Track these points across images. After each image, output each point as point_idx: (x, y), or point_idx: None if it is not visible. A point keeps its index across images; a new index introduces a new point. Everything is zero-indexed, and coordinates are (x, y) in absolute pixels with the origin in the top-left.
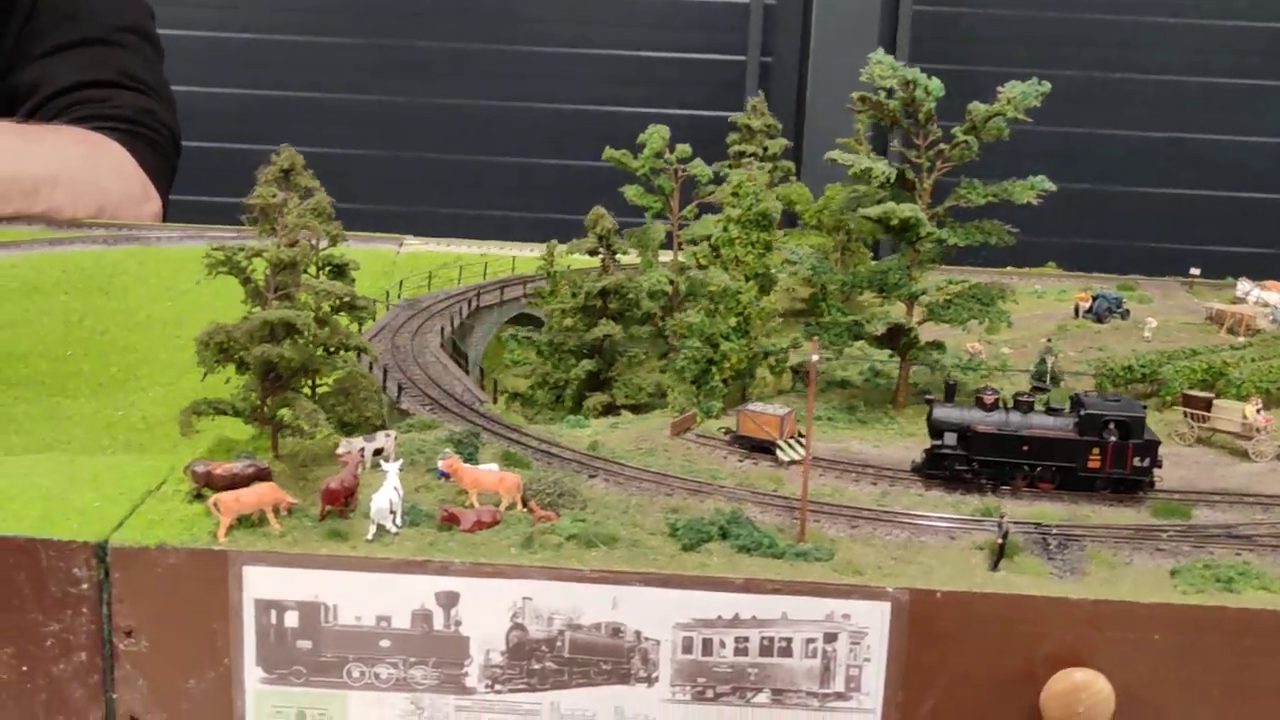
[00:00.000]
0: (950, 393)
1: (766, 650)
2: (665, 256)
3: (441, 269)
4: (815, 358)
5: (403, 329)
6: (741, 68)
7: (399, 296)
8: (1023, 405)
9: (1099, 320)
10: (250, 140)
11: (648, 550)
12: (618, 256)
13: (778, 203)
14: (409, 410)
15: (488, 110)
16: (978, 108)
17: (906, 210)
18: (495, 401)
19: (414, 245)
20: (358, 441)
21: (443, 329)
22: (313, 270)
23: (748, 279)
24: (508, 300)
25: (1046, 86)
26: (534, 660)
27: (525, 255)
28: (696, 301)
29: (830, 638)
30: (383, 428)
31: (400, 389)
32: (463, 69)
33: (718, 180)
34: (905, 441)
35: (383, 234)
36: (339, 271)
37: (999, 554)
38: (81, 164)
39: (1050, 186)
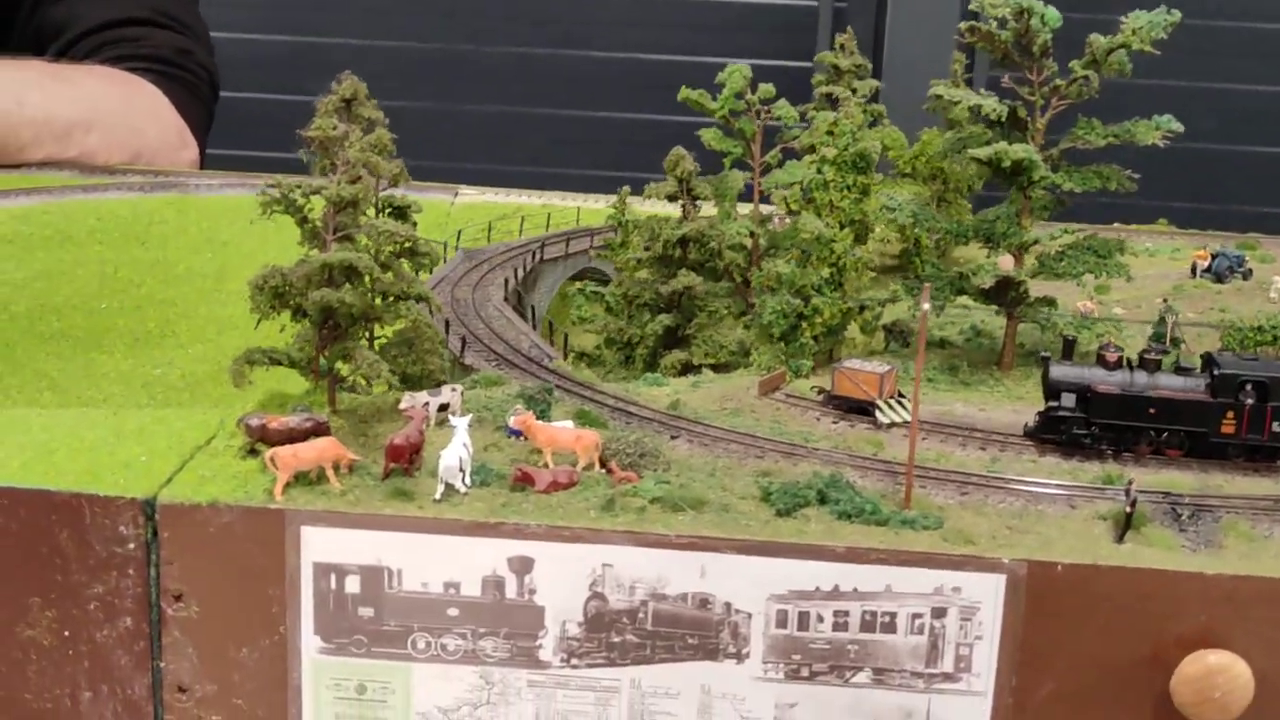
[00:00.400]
0: (1068, 350)
1: (868, 625)
2: (743, 210)
3: (501, 220)
4: (926, 306)
5: (462, 281)
6: (813, 14)
7: (456, 248)
8: (1149, 364)
9: (1219, 280)
10: (291, 90)
11: (739, 515)
12: (698, 202)
13: (877, 143)
14: (473, 366)
15: (546, 59)
16: (1097, 40)
17: (1020, 151)
18: (565, 358)
19: (470, 196)
20: (422, 396)
21: (506, 281)
22: (371, 212)
23: (842, 226)
24: (573, 253)
25: (1176, 16)
26: (614, 633)
27: (591, 206)
28: (779, 255)
29: (938, 613)
30: (445, 383)
31: (464, 343)
32: (520, 14)
33: (803, 124)
34: (1014, 404)
35: (436, 183)
36: (400, 214)
37: (1125, 524)
38: (116, 107)
39: (1177, 127)
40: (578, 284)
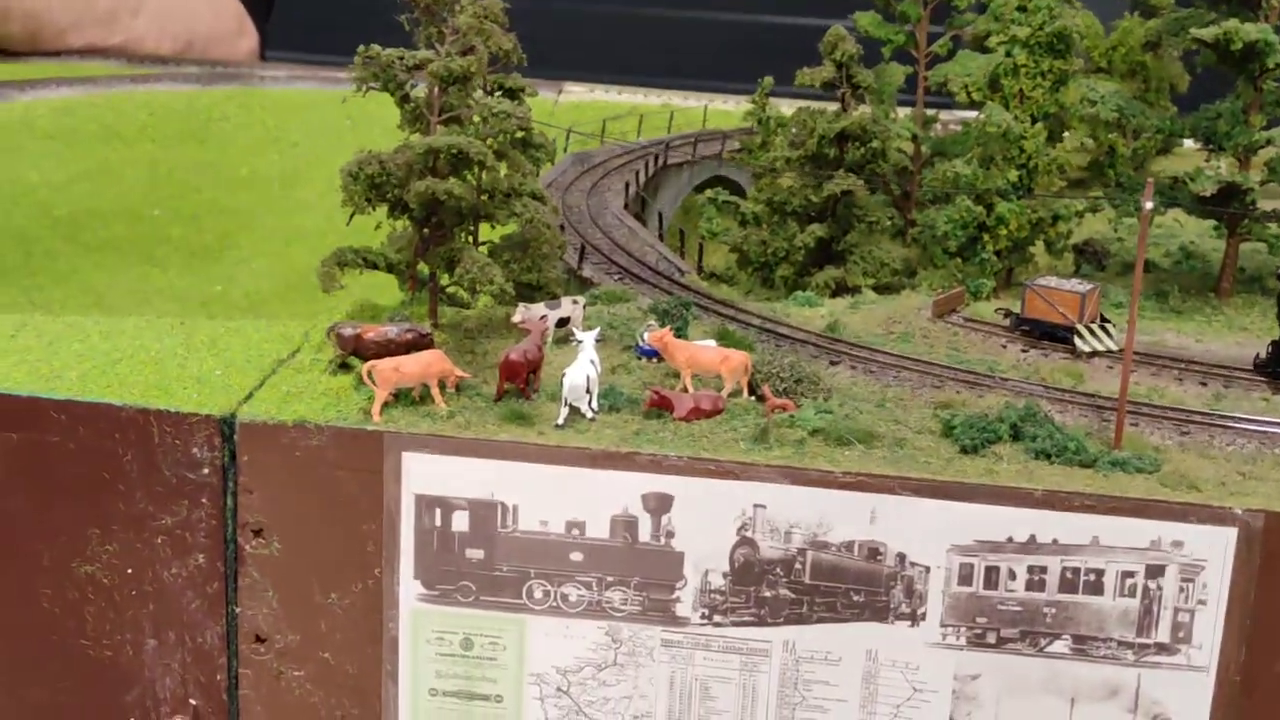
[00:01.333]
0: None
1: (1069, 585)
2: (902, 114)
3: (614, 120)
4: (1149, 205)
5: (573, 187)
6: None
7: (565, 149)
8: None
9: None
10: None
11: (915, 452)
12: (860, 92)
13: (1077, 20)
14: (592, 279)
15: None
16: None
17: (1254, 31)
18: (701, 273)
19: (576, 92)
20: (539, 308)
21: (627, 186)
22: (479, 94)
23: (1034, 120)
24: (702, 158)
25: None
26: (765, 586)
27: (719, 106)
28: (946, 163)
29: (1154, 572)
30: (561, 295)
31: (583, 252)
32: None
33: (979, 8)
34: (1236, 335)
35: (537, 79)
36: (512, 96)
37: None
38: None
39: None
40: (708, 193)
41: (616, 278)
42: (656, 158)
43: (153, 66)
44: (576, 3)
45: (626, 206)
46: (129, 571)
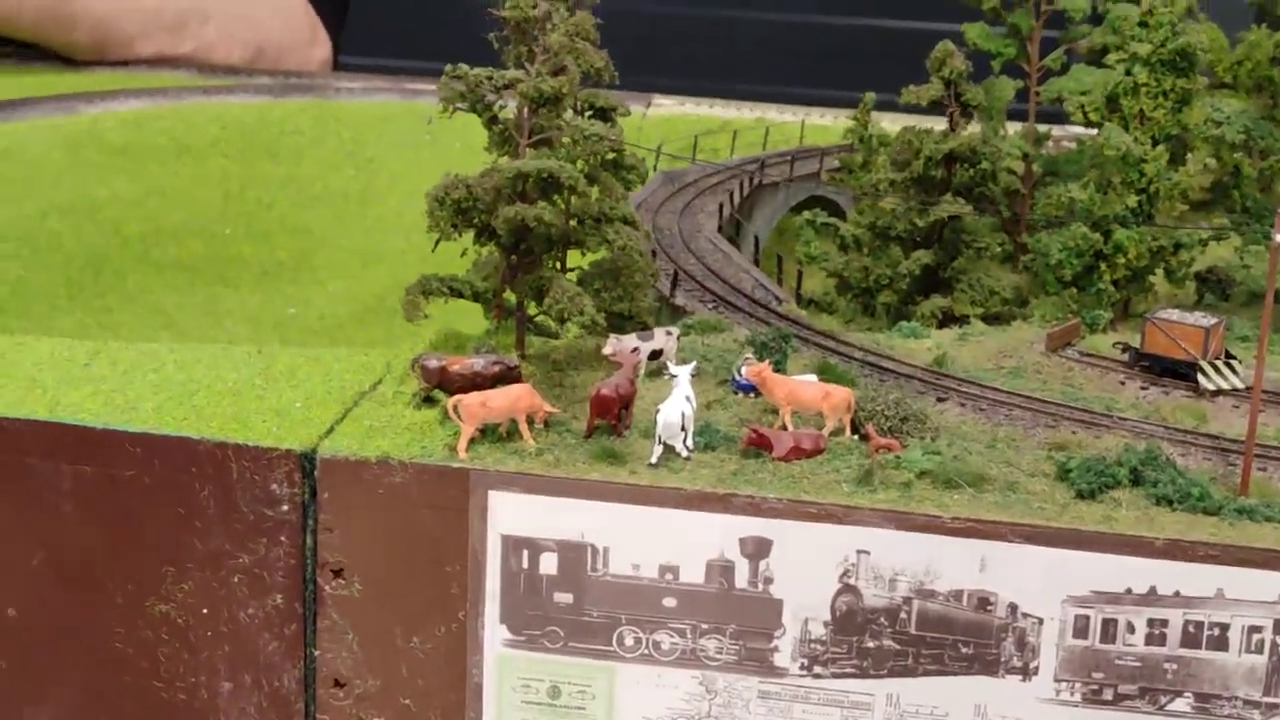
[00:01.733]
0: None
1: (1192, 639)
2: (1011, 128)
3: (706, 135)
4: None
5: (664, 208)
6: None
7: (655, 168)
8: None
9: None
10: None
11: (1028, 496)
12: (970, 110)
13: (1202, 36)
14: (685, 307)
15: None
16: None
17: None
18: (799, 300)
19: (666, 106)
20: (630, 340)
21: (720, 208)
22: (569, 113)
23: (1155, 142)
24: (799, 177)
25: None
26: (868, 636)
27: (816, 122)
28: (1064, 180)
29: None
30: (652, 325)
31: (675, 279)
32: None
33: (1095, 19)
34: None
35: (624, 89)
36: (603, 116)
37: None
38: None
39: None
40: (805, 214)
41: (711, 306)
42: (751, 177)
43: (223, 77)
44: (665, 6)
45: (720, 229)
46: (204, 611)
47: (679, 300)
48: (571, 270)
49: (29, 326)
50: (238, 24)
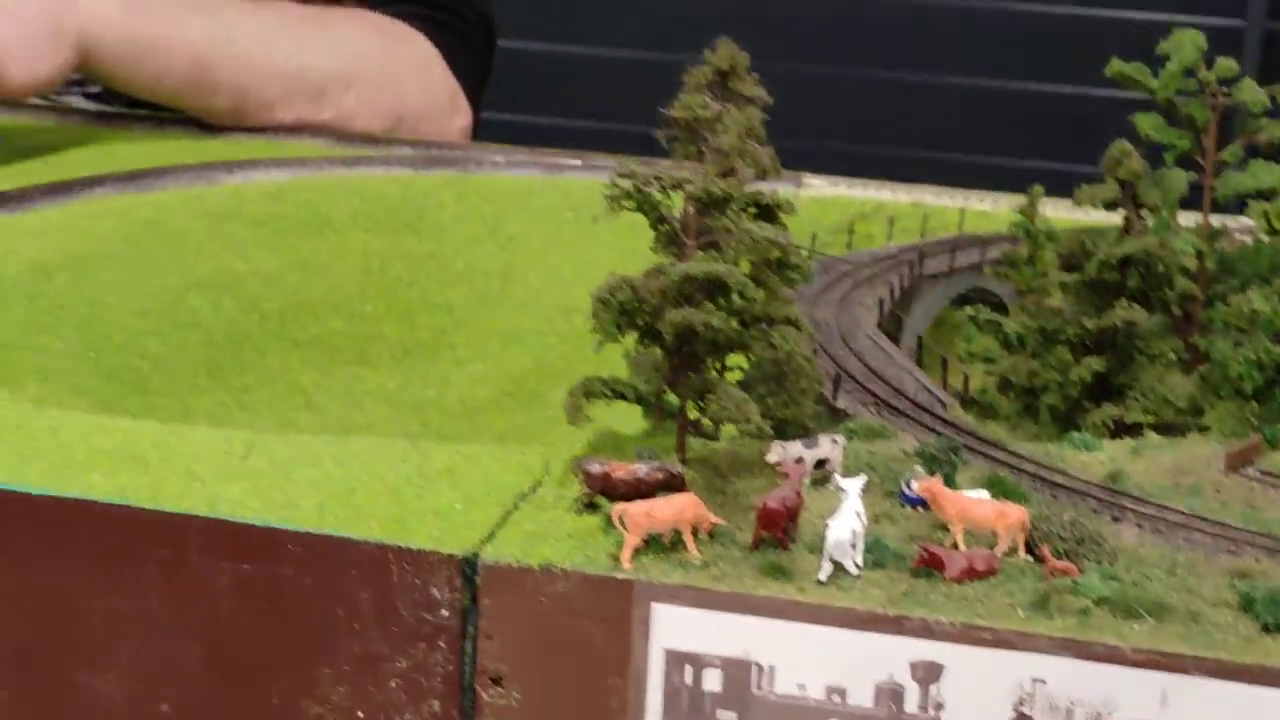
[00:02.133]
0: None
1: None
2: (1184, 221)
3: (861, 219)
4: None
5: (820, 299)
6: None
7: (810, 255)
8: None
9: None
10: (581, 39)
11: (1211, 628)
12: (1144, 213)
13: None
14: (846, 410)
15: (918, 10)
16: None
17: None
18: (965, 404)
19: (817, 187)
20: (795, 448)
21: (880, 302)
22: (733, 211)
23: None
24: (959, 268)
25: None
26: None
27: (976, 207)
28: (1239, 282)
29: None
30: (814, 430)
31: (838, 381)
32: None
33: (1276, 112)
34: None
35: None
36: (767, 214)
37: None
38: (378, 61)
39: None
40: (968, 310)
41: (873, 410)
42: (911, 267)
43: (362, 147)
44: (816, 67)
45: (880, 324)
46: (360, 715)
47: (840, 403)
48: (729, 370)
49: (170, 405)
50: (380, 92)
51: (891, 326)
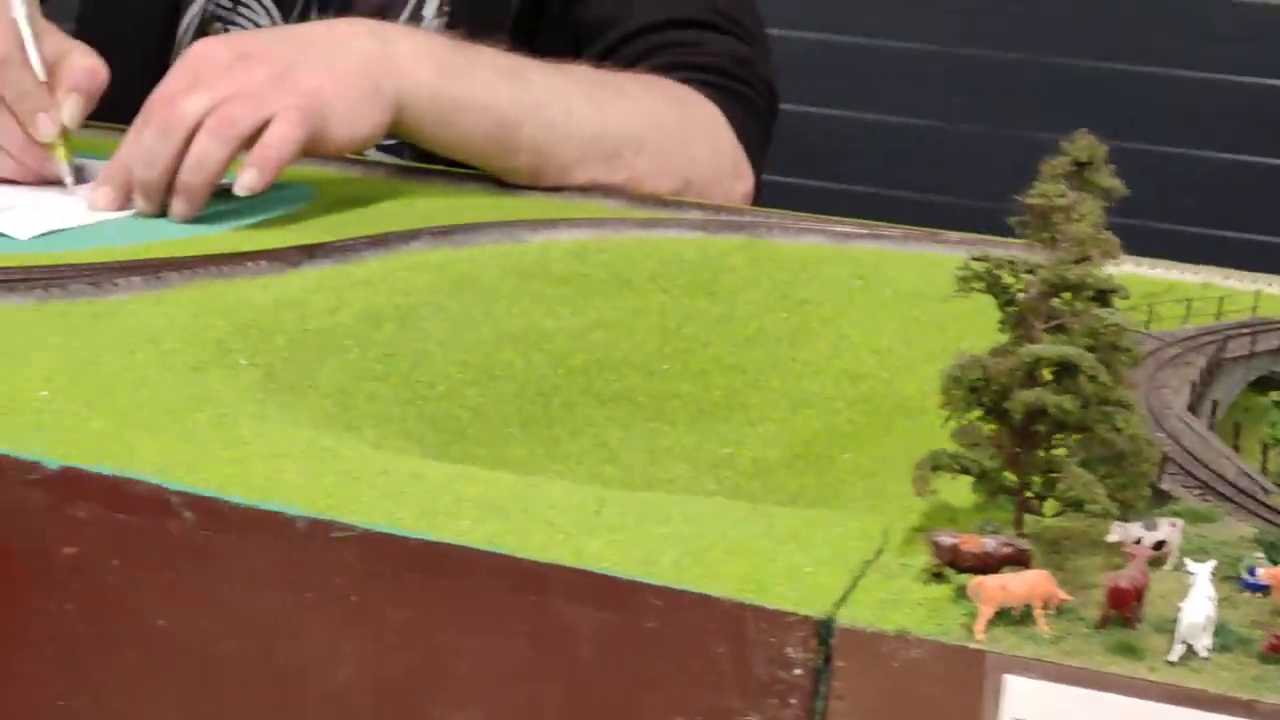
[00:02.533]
0: None
1: None
2: None
3: (1152, 301)
4: None
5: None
6: None
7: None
8: None
9: None
10: (854, 104)
11: None
12: None
13: None
14: (1169, 492)
15: (1192, 81)
16: None
17: None
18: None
19: (1109, 264)
20: (1135, 528)
21: (1192, 385)
22: (1066, 295)
23: None
24: (1259, 353)
25: None
26: None
27: (1267, 291)
28: None
29: None
30: (1144, 511)
31: (1163, 465)
32: (1144, 11)
33: None
34: None
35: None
36: (1102, 298)
37: None
38: (669, 124)
39: None
40: (1273, 394)
41: (1198, 493)
42: (1217, 348)
43: (655, 209)
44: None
45: (1191, 407)
46: None
47: (1164, 485)
48: (1056, 449)
49: (488, 454)
50: (671, 156)
51: (1208, 410)
